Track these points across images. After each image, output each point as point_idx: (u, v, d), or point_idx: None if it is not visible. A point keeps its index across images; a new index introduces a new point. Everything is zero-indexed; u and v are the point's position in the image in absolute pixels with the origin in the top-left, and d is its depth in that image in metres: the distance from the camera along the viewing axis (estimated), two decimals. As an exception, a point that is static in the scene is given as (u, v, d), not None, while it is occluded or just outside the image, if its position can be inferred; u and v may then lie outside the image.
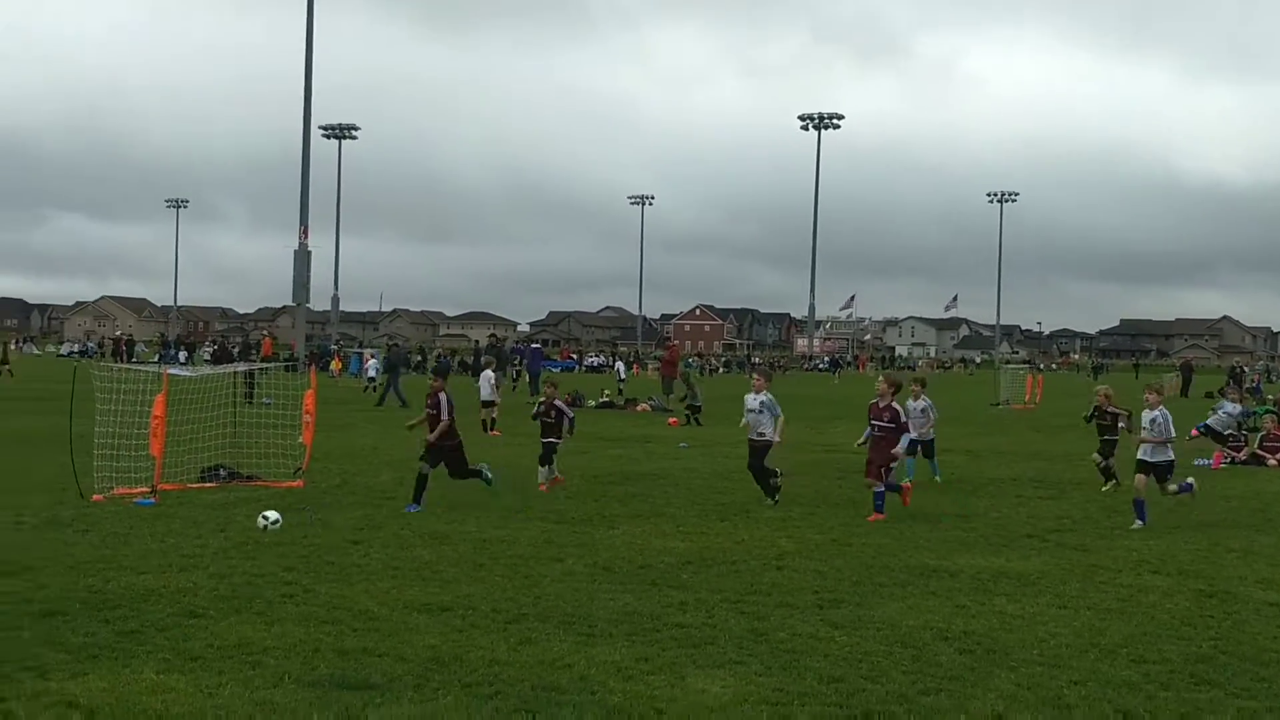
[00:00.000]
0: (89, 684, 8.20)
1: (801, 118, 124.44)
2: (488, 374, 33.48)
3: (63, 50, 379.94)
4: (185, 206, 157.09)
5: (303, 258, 78.25)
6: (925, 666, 9.32)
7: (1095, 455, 21.78)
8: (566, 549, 14.06)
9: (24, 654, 8.88)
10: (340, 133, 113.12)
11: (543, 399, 20.28)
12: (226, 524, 15.28)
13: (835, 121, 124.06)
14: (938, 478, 22.03)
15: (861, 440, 18.53)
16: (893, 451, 17.32)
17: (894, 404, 17.47)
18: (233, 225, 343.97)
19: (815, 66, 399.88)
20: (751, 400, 18.59)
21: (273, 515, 14.91)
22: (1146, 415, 17.29)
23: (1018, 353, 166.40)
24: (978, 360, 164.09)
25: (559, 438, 19.89)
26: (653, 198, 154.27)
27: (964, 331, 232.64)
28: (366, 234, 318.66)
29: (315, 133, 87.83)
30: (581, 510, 17.35)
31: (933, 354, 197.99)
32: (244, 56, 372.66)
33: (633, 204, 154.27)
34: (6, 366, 62.19)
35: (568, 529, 15.54)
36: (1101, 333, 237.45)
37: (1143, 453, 17.09)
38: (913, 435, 20.00)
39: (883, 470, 17.35)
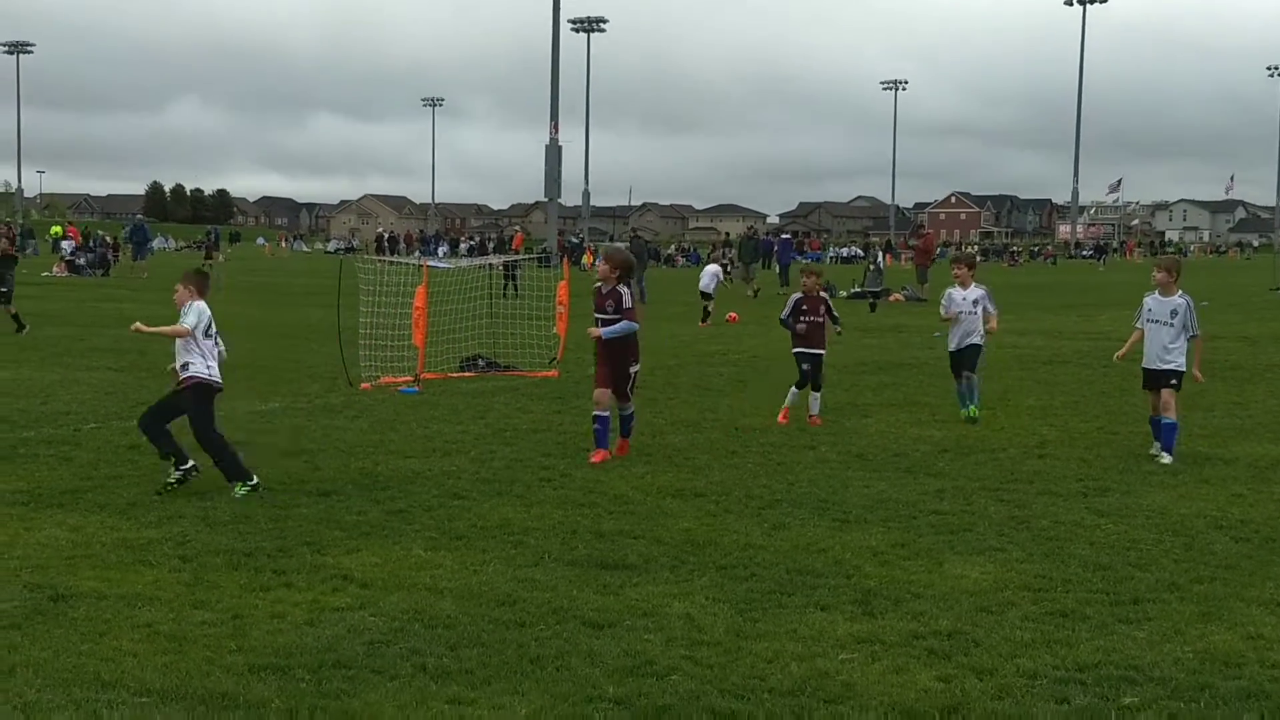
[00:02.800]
0: (362, 559, 8.60)
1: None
2: (712, 267, 34.03)
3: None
4: (440, 105, 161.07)
5: (554, 153, 79.33)
6: (1198, 555, 8.91)
7: None
8: (819, 437, 13.98)
9: (302, 530, 9.38)
10: (589, 26, 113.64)
11: (801, 291, 15.55)
12: (486, 412, 15.75)
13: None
14: (968, 410, 15.12)
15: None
16: (600, 332, 12.62)
17: (619, 288, 12.69)
18: (484, 122, 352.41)
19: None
20: None
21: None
22: None
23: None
24: (1255, 244, 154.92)
25: (824, 346, 15.41)
26: (906, 82, 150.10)
27: (1240, 214, 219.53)
28: (614, 128, 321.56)
29: (564, 27, 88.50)
30: (834, 399, 17.18)
31: (1206, 238, 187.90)
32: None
33: (885, 89, 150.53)
34: (209, 261, 67.70)
35: (821, 417, 15.42)
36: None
37: None
38: (955, 345, 15.17)
39: (624, 388, 12.70)
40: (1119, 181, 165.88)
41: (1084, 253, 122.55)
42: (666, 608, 7.58)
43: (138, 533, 9.26)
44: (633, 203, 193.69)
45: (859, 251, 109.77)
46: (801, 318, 15.25)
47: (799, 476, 11.73)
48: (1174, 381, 12.72)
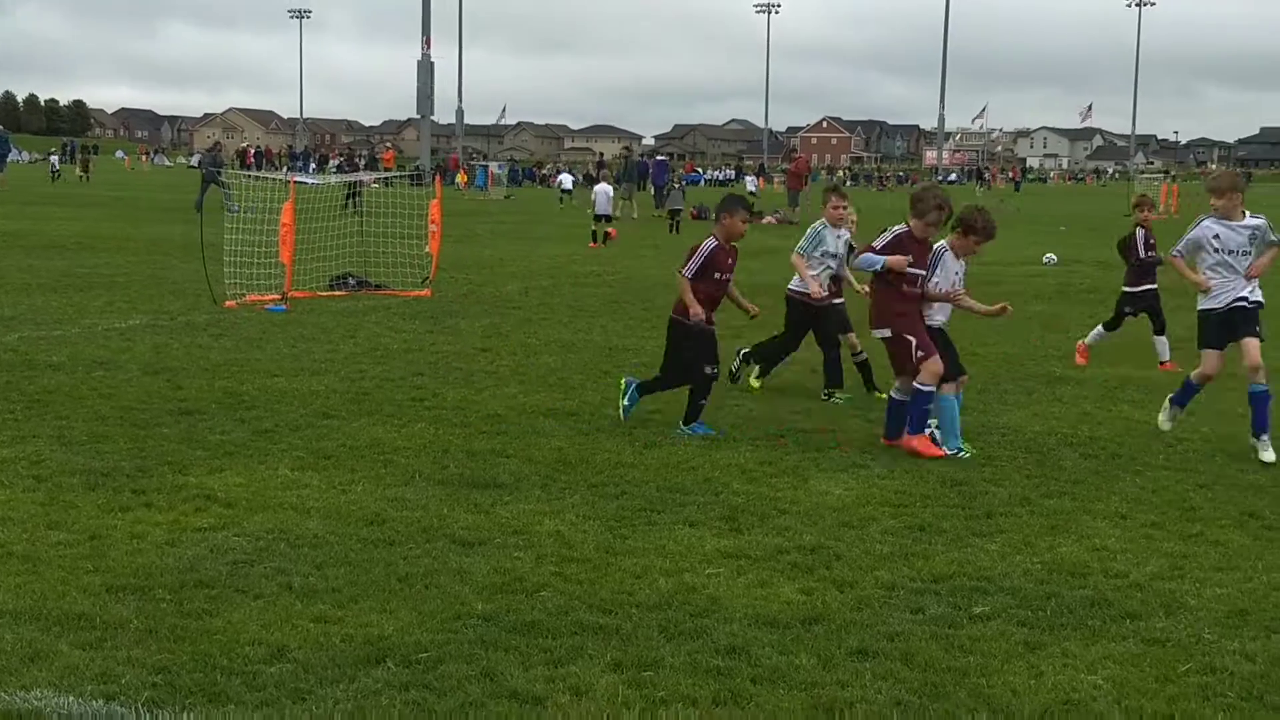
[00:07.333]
0: (226, 479, 8.47)
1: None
2: (603, 187, 33.78)
3: None
4: (308, 17, 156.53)
5: (426, 69, 77.95)
6: (1049, 471, 9.23)
7: None
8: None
9: (163, 450, 9.20)
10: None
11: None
12: (356, 330, 15.57)
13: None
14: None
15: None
16: None
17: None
18: (351, 36, 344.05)
19: None
20: None
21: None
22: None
23: (1153, 163, 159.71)
24: (1111, 171, 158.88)
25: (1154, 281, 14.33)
26: (779, 5, 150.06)
27: (1098, 142, 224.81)
28: (488, 45, 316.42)
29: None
30: (704, 319, 17.31)
31: (1065, 165, 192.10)
32: None
33: (758, 12, 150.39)
34: (86, 175, 67.17)
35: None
36: (1241, 141, 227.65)
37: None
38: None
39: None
40: (984, 109, 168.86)
41: (950, 178, 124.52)
42: (537, 525, 7.62)
43: (-9, 453, 9.00)
44: (507, 121, 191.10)
45: (732, 174, 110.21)
46: (1150, 253, 14.26)
47: (671, 397, 11.78)
48: (1258, 328, 10.07)
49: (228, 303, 17.38)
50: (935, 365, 9.54)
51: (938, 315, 10.10)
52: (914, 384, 9.60)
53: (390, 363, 13.26)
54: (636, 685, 5.36)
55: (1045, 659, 5.74)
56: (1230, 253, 9.98)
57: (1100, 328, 14.57)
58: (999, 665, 5.66)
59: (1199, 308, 10.18)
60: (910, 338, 9.61)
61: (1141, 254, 14.31)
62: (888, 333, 9.78)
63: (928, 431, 9.73)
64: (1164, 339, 14.30)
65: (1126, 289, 14.52)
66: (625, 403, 10.67)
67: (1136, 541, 7.57)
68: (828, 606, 6.35)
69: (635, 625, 6.03)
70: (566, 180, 62.15)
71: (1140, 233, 14.43)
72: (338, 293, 19.39)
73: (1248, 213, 10.07)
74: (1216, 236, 9.98)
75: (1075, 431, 10.61)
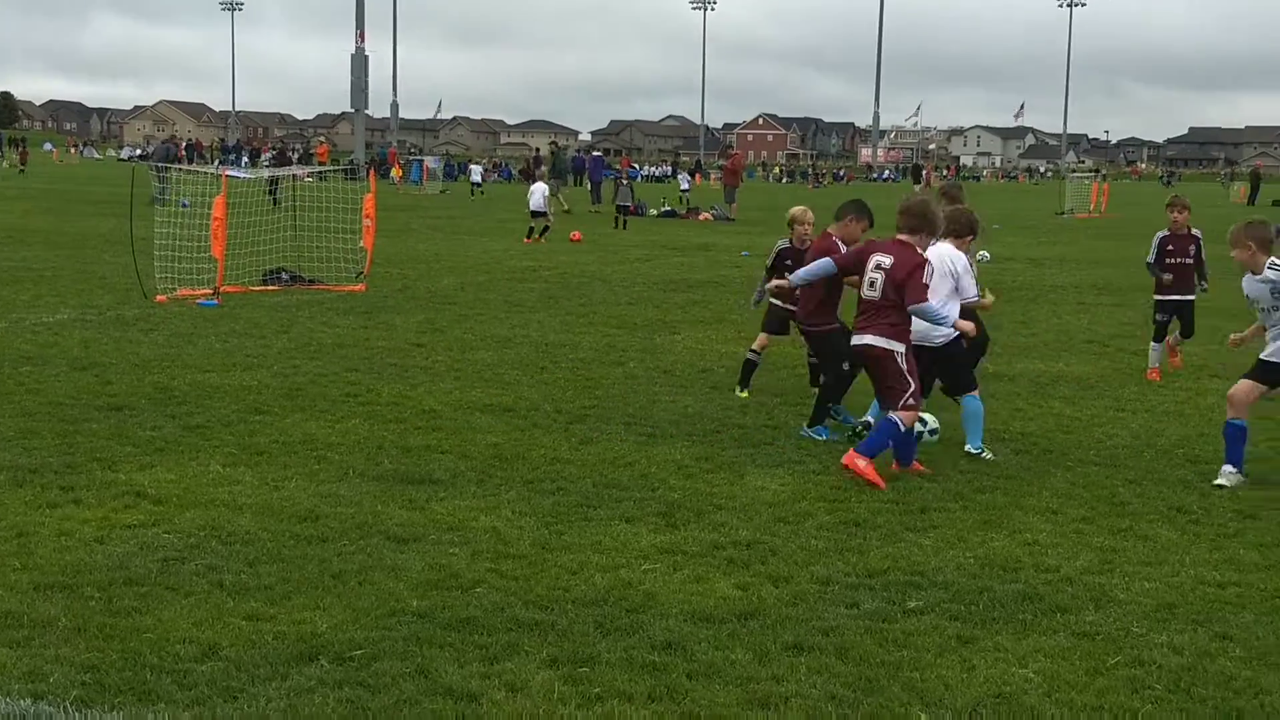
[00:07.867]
0: (156, 475, 8.36)
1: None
2: (540, 185, 33.42)
3: None
4: (240, 9, 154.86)
5: (360, 62, 77.51)
6: (982, 466, 9.32)
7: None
8: (628, 353, 14.10)
9: (92, 446, 9.06)
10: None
11: (1167, 229, 13.35)
12: (289, 326, 15.42)
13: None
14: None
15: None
16: None
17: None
18: (284, 28, 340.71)
19: None
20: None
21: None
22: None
23: (1084, 162, 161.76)
24: (1043, 170, 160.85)
25: (1194, 291, 13.42)
26: (715, 2, 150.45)
27: (1030, 141, 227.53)
28: (423, 39, 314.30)
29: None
30: (643, 316, 17.35)
31: (998, 164, 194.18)
32: None
33: (694, 8, 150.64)
34: (22, 168, 66.76)
35: (629, 334, 15.56)
36: (1170, 141, 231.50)
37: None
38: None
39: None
40: (919, 107, 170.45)
41: (884, 175, 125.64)
42: (473, 522, 7.59)
43: (-86, 449, 8.82)
44: (442, 115, 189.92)
45: (669, 170, 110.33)
46: (1168, 259, 13.24)
47: (607, 392, 11.83)
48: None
49: (158, 297, 17.15)
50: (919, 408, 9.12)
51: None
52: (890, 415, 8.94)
53: (324, 358, 13.15)
54: (572, 681, 5.35)
55: (977, 653, 5.80)
56: (1264, 310, 9.21)
57: (1177, 334, 13.54)
58: (932, 659, 5.71)
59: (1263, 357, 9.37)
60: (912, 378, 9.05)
61: (1151, 256, 13.42)
62: (902, 348, 9.10)
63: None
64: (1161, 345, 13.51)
65: (1155, 297, 13.54)
66: (830, 437, 10.08)
67: (1067, 536, 7.67)
68: (763, 601, 6.38)
69: (571, 621, 6.02)
70: (476, 173, 64.14)
71: (1158, 237, 13.44)
72: (271, 287, 19.20)
73: (1275, 261, 9.14)
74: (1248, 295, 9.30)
75: (1007, 427, 10.73)
